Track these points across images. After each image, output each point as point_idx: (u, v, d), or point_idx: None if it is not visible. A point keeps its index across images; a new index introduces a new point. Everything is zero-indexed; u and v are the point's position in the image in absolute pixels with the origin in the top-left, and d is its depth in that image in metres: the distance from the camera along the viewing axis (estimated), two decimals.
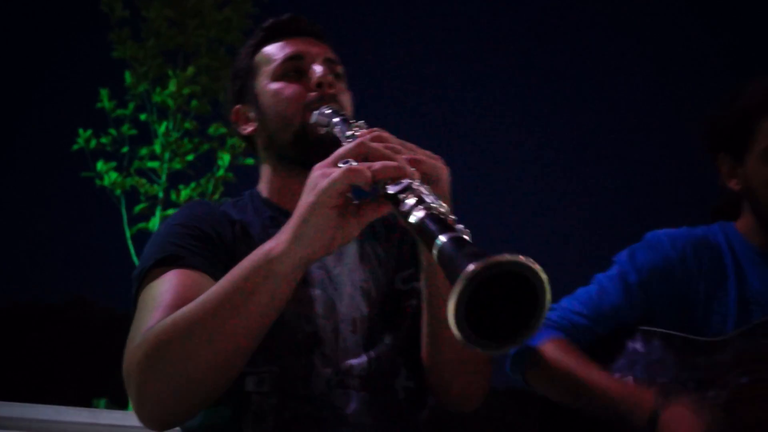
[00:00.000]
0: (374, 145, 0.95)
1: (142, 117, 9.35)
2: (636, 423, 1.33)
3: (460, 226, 0.82)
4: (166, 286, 1.09)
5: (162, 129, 9.28)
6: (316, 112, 1.23)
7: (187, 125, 9.36)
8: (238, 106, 1.37)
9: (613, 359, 1.50)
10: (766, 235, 1.53)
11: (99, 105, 9.28)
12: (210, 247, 1.18)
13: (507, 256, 0.71)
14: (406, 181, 0.90)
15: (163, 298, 1.07)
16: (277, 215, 1.27)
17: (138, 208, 9.21)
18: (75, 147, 9.16)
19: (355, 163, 0.92)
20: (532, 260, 0.73)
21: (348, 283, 1.25)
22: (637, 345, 1.46)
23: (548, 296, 0.74)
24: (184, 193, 9.20)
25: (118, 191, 9.18)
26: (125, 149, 9.22)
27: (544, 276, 0.73)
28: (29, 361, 20.77)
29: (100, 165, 9.09)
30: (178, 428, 1.18)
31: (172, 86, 9.14)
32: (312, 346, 1.17)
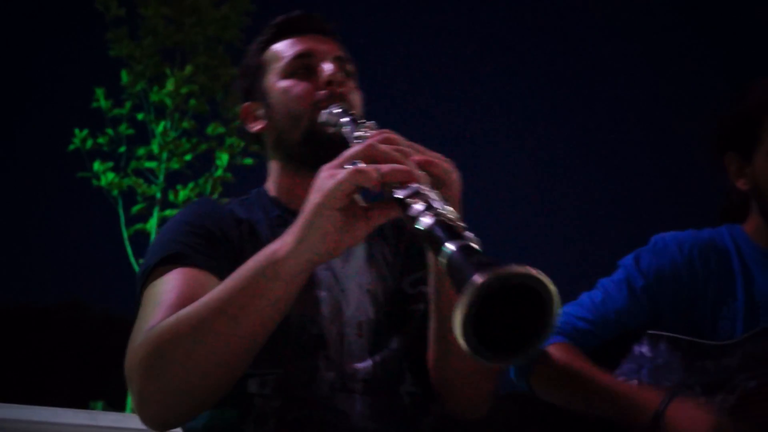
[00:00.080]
0: (383, 147, 0.94)
1: (140, 116, 9.31)
2: (641, 423, 1.32)
3: (470, 234, 0.81)
4: (170, 284, 1.09)
5: (160, 129, 9.24)
6: (325, 111, 1.22)
7: (185, 125, 9.32)
8: (246, 104, 1.36)
9: (619, 363, 1.49)
10: None
11: (95, 104, 9.26)
12: (215, 246, 1.17)
13: (516, 268, 0.71)
14: (414, 185, 0.89)
15: (167, 296, 1.07)
16: (285, 214, 1.27)
17: (135, 208, 9.19)
18: (71, 147, 9.13)
19: (362, 165, 0.91)
20: (541, 272, 0.72)
21: (355, 286, 1.24)
22: (644, 349, 1.46)
23: (557, 309, 0.74)
24: (182, 193, 9.17)
25: (115, 192, 9.15)
26: (122, 149, 9.19)
27: (553, 288, 0.73)
28: (24, 364, 20.77)
29: (96, 165, 9.06)
30: (179, 429, 1.18)
31: (169, 85, 9.11)
32: (316, 348, 1.17)
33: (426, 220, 0.83)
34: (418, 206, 0.86)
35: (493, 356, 0.75)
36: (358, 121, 1.15)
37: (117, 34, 9.21)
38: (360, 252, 1.28)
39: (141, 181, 9.19)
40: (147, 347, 1.00)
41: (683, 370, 1.41)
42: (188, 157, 9.32)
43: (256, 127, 1.35)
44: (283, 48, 1.32)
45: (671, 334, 1.44)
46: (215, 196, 9.22)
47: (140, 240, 9.14)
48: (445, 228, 0.81)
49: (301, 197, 1.04)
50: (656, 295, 1.49)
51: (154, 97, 9.27)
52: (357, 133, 1.10)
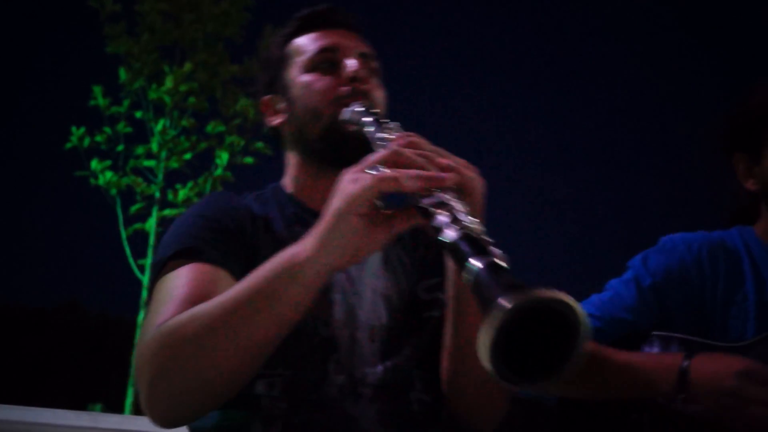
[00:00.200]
0: (408, 152, 0.94)
1: (138, 114, 9.29)
2: (666, 387, 1.32)
3: (496, 249, 0.81)
4: (182, 279, 1.09)
5: (158, 127, 9.21)
6: (347, 110, 1.22)
7: (184, 123, 9.29)
8: (267, 97, 1.36)
9: None
10: None
11: (93, 102, 9.23)
12: (230, 241, 1.17)
13: (546, 293, 0.71)
14: (439, 195, 0.89)
15: (179, 291, 1.07)
16: (301, 213, 1.27)
17: (134, 208, 9.18)
18: (68, 145, 9.12)
19: (387, 171, 0.91)
20: (570, 297, 0.72)
21: (369, 290, 1.24)
22: (655, 350, 1.45)
23: (584, 335, 0.74)
24: (182, 192, 9.16)
25: (114, 191, 9.15)
26: (120, 148, 9.17)
27: (582, 314, 0.73)
28: (21, 366, 20.80)
29: (94, 164, 9.05)
30: (184, 428, 1.18)
31: (168, 83, 9.10)
32: (327, 351, 1.17)
33: (451, 233, 0.83)
34: (443, 217, 0.86)
35: (518, 380, 0.75)
36: (381, 121, 1.14)
37: (114, 30, 9.17)
38: (376, 256, 1.27)
39: (140, 180, 9.18)
40: (158, 344, 1.00)
41: None
42: (188, 156, 9.30)
43: (276, 120, 1.34)
44: (307, 42, 1.32)
45: (682, 335, 1.44)
46: None
47: (139, 240, 9.17)
48: (471, 242, 0.81)
49: (319, 196, 1.08)
50: (664, 294, 1.49)
51: (152, 95, 9.24)
52: (380, 135, 1.10)
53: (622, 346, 1.45)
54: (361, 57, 1.29)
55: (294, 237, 1.14)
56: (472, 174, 0.97)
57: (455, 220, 0.85)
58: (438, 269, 1.23)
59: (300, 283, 0.95)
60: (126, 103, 9.21)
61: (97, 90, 9.16)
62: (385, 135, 1.08)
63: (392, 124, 1.12)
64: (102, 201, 9.20)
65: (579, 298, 1.46)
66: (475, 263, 0.78)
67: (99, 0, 9.13)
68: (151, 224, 9.10)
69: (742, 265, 1.50)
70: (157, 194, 9.17)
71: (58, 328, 22.37)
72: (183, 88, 9.12)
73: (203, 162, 9.39)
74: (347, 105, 1.22)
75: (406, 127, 1.09)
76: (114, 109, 9.18)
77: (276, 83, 1.34)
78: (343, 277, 1.22)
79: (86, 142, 9.05)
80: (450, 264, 1.09)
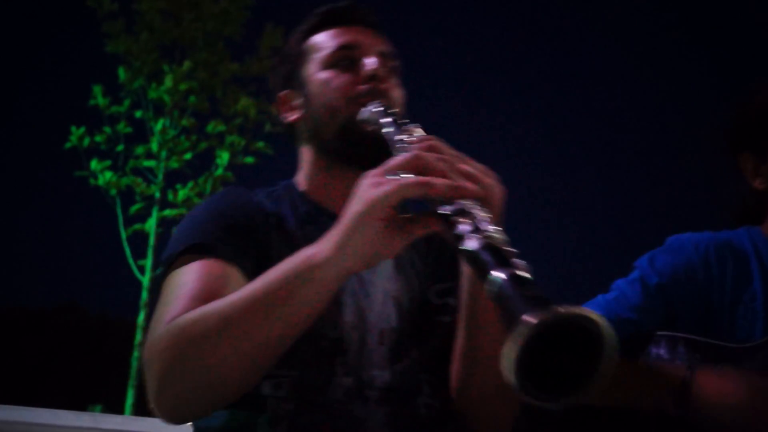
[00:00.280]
0: (430, 158, 0.93)
1: (138, 114, 9.29)
2: (666, 397, 1.30)
3: (519, 261, 0.80)
4: (192, 275, 1.09)
5: (158, 126, 9.22)
6: (365, 109, 1.21)
7: (184, 122, 9.29)
8: (284, 92, 1.35)
9: None
10: None
11: (92, 102, 9.24)
12: (242, 238, 1.17)
13: (574, 310, 0.71)
14: (461, 202, 0.89)
15: (189, 287, 1.07)
16: (314, 212, 1.27)
17: (134, 208, 9.19)
18: (68, 145, 9.12)
19: (409, 176, 0.91)
20: (598, 314, 0.72)
21: (380, 292, 1.24)
22: (661, 351, 1.43)
23: (611, 352, 0.74)
24: (182, 192, 9.16)
25: (113, 191, 9.16)
26: (120, 147, 9.18)
27: (609, 332, 0.73)
28: (20, 368, 20.85)
29: (94, 164, 9.05)
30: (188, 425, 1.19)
31: (168, 82, 9.10)
32: (335, 353, 1.17)
33: (473, 242, 0.83)
34: (465, 226, 0.85)
35: (543, 397, 0.74)
36: (400, 122, 1.14)
37: (114, 27, 9.17)
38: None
39: (139, 180, 9.19)
40: (169, 340, 1.00)
41: None
42: (188, 156, 9.31)
43: (292, 116, 1.34)
44: (326, 38, 1.31)
45: (689, 336, 1.42)
46: None
47: (139, 241, 9.19)
48: (494, 253, 0.81)
49: (333, 195, 1.10)
50: (671, 294, 1.47)
51: (152, 94, 9.24)
52: (399, 137, 1.09)
53: (628, 346, 1.40)
54: (381, 55, 1.28)
55: (306, 236, 1.14)
56: (491, 181, 0.97)
57: (477, 229, 0.84)
58: (450, 274, 1.24)
59: (316, 285, 0.96)
60: (126, 102, 9.23)
61: (97, 89, 9.18)
62: (405, 137, 1.08)
63: (412, 126, 1.12)
64: (102, 201, 9.24)
65: (583, 299, 1.53)
66: (498, 275, 0.77)
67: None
68: (151, 225, 9.12)
69: (749, 265, 1.48)
70: (157, 194, 9.18)
71: (58, 329, 22.41)
72: (183, 87, 9.12)
73: (203, 162, 9.43)
74: (365, 104, 1.22)
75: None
76: (114, 108, 9.19)
77: (293, 79, 1.33)
78: (354, 279, 1.22)
79: (86, 141, 9.08)
80: (465, 270, 1.10)
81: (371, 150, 1.10)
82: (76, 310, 24.08)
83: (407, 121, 1.14)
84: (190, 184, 9.23)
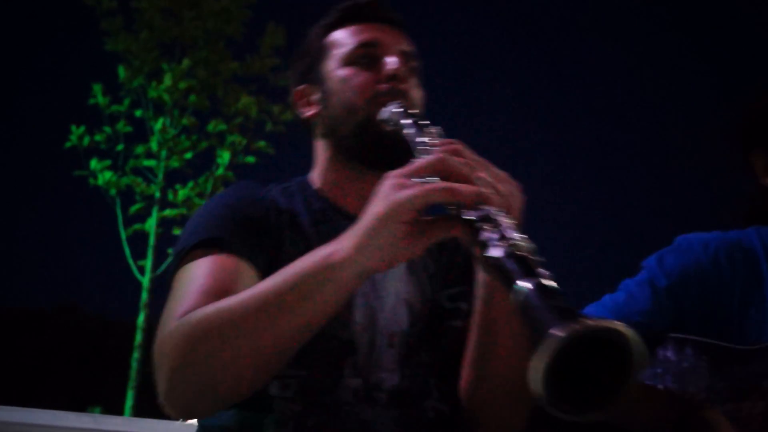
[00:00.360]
0: (455, 163, 0.93)
1: (138, 113, 9.27)
2: (665, 426, 1.30)
3: (544, 270, 0.79)
4: (204, 270, 1.09)
5: (158, 126, 9.19)
6: (385, 110, 1.20)
7: (184, 122, 9.27)
8: (301, 87, 1.35)
9: None
10: None
11: (92, 101, 9.22)
12: (254, 234, 1.17)
13: (604, 323, 0.72)
14: (485, 208, 0.88)
15: (201, 282, 1.07)
16: (328, 210, 1.26)
17: (134, 208, 9.17)
18: (67, 144, 9.10)
19: (435, 180, 0.91)
20: (627, 328, 0.72)
21: (392, 295, 1.23)
22: (669, 353, 1.43)
23: (640, 366, 0.74)
24: (182, 192, 9.14)
25: (113, 191, 9.14)
26: (120, 147, 9.16)
27: (639, 346, 0.73)
28: (20, 369, 20.90)
29: (93, 163, 9.04)
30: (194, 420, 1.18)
31: (167, 80, 9.09)
32: (344, 354, 1.17)
33: (497, 250, 0.82)
34: (490, 233, 0.85)
35: (571, 410, 0.74)
36: (421, 124, 1.13)
37: (113, 25, 9.14)
38: None
39: (139, 179, 9.18)
40: (181, 335, 1.00)
41: (710, 374, 1.39)
42: (188, 155, 9.29)
43: (309, 112, 1.33)
44: (347, 34, 1.31)
45: (697, 338, 1.40)
46: None
47: (139, 241, 9.17)
48: (520, 262, 0.80)
49: (349, 194, 1.13)
50: (680, 296, 1.45)
51: (152, 93, 9.22)
52: (420, 139, 1.08)
53: None
54: (402, 55, 1.28)
55: (319, 235, 1.16)
56: (511, 189, 0.97)
57: (503, 237, 0.84)
58: (463, 278, 1.24)
59: (334, 285, 0.95)
60: (126, 101, 9.22)
61: (97, 88, 9.17)
62: (427, 139, 1.07)
63: (433, 128, 1.11)
64: (101, 201, 9.24)
65: (590, 299, 1.52)
66: (525, 284, 0.77)
67: None
68: (151, 225, 9.11)
69: (760, 265, 1.46)
70: (157, 194, 9.16)
71: (57, 330, 22.45)
72: (182, 85, 9.10)
73: (204, 161, 9.42)
74: (384, 103, 1.21)
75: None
76: (114, 107, 9.18)
77: (311, 74, 1.33)
78: (366, 281, 1.19)
79: (86, 141, 9.07)
80: (480, 276, 1.10)
81: (390, 150, 1.11)
82: (75, 310, 24.13)
83: (428, 122, 1.13)
84: (191, 184, 9.22)
